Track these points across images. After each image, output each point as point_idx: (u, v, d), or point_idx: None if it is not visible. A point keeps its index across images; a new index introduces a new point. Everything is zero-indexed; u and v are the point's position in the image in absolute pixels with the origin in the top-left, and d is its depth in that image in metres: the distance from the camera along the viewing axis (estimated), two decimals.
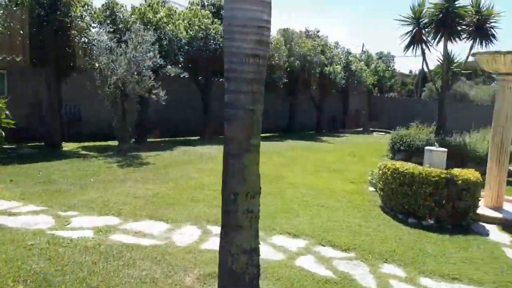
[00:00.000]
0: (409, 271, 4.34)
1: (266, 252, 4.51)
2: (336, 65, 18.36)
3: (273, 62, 15.24)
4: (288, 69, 16.27)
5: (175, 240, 4.68)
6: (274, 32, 17.79)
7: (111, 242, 4.43)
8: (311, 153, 12.03)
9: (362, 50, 24.50)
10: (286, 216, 5.79)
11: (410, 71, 49.64)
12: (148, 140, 12.69)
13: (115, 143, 10.80)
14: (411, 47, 11.93)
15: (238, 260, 3.35)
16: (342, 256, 4.61)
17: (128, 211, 5.52)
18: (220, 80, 14.81)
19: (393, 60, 24.16)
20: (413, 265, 4.48)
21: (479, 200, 6.13)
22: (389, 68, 23.70)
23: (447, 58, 11.80)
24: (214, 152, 10.68)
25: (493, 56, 6.94)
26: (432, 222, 5.88)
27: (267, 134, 15.73)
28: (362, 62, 21.64)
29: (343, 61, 19.76)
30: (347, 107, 21.08)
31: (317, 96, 18.62)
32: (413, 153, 10.92)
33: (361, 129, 21.50)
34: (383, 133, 19.39)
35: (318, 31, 19.28)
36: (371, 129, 20.60)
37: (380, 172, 6.54)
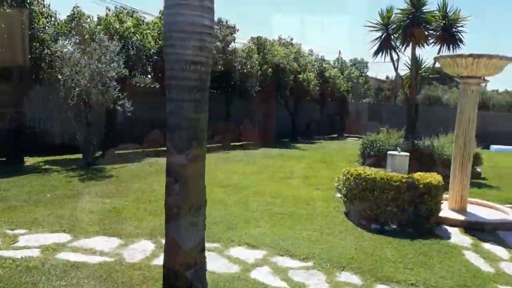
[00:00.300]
0: (366, 278, 4.26)
1: (220, 265, 4.39)
2: (310, 72, 18.44)
3: (245, 70, 15.19)
4: (261, 77, 16.25)
5: (126, 256, 4.51)
6: (246, 40, 17.80)
7: (57, 261, 4.23)
8: (282, 161, 11.97)
9: (339, 57, 24.76)
10: (247, 226, 5.67)
11: (387, 77, 50.39)
12: (117, 152, 12.43)
13: (80, 156, 10.53)
14: (381, 52, 12.02)
15: (181, 277, 3.21)
16: (299, 265, 4.50)
17: (80, 227, 5.32)
18: None
19: (366, 66, 24.43)
20: (371, 272, 4.41)
21: (441, 204, 6.12)
22: (362, 75, 23.94)
23: (415, 63, 11.92)
24: None
25: (454, 59, 7.00)
26: (394, 227, 5.84)
27: (242, 143, 15.64)
28: (336, 69, 21.83)
29: (317, 68, 19.87)
30: (322, 114, 21.15)
31: (291, 104, 18.64)
32: (383, 158, 10.93)
33: (336, 135, 21.61)
34: (357, 139, 19.50)
35: (291, 39, 19.39)
36: (345, 135, 20.70)
37: (344, 178, 6.48)
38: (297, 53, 18.23)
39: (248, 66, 15.14)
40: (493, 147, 19.39)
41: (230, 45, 14.84)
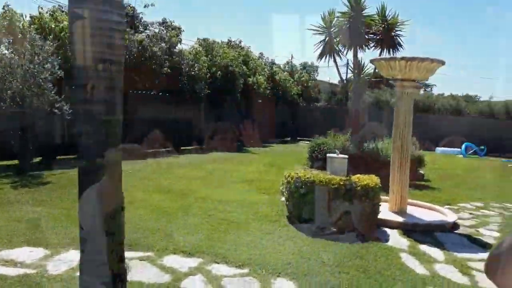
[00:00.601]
0: (301, 284, 4.19)
1: (151, 275, 4.19)
2: (260, 75, 18.46)
3: (193, 73, 14.96)
4: (210, 80, 16.07)
5: (50, 268, 4.21)
6: (193, 42, 17.56)
7: None
8: (231, 165, 11.84)
9: (289, 61, 25.01)
10: (185, 233, 5.48)
11: (339, 81, 51.46)
12: (59, 157, 11.82)
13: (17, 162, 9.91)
14: (324, 56, 12.19)
15: None
16: (235, 273, 4.38)
17: (4, 238, 4.94)
18: (138, 92, 14.27)
19: (316, 70, 24.85)
20: (306, 277, 4.35)
21: (379, 206, 6.20)
22: (312, 78, 24.31)
23: (358, 66, 12.18)
24: (124, 168, 10.14)
25: (388, 62, 7.15)
26: (334, 230, 5.84)
27: (191, 147, 15.37)
28: (286, 73, 22.02)
29: (267, 71, 19.94)
30: (273, 118, 21.26)
31: (242, 107, 18.59)
32: None
33: (288, 138, 21.77)
34: (308, 142, 19.72)
35: (240, 41, 19.33)
36: (298, 138, 20.91)
37: (286, 181, 6.44)
38: (246, 55, 18.19)
39: (196, 69, 14.92)
40: (438, 149, 20.18)
41: (176, 47, 14.55)
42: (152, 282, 4.02)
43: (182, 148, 14.71)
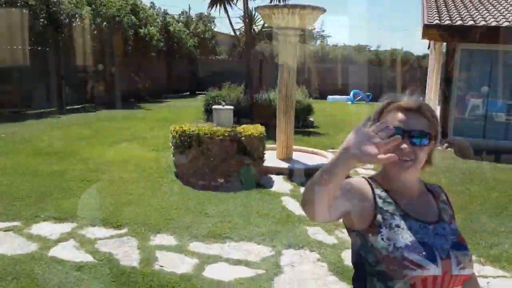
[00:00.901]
0: (181, 238, 4.16)
1: (16, 246, 3.85)
2: (151, 26, 17.47)
3: (74, 25, 13.64)
4: (96, 32, 14.81)
5: None
6: None
7: None
8: (122, 123, 11.24)
9: (184, 11, 23.96)
10: (59, 197, 5.09)
11: (241, 33, 50.84)
12: None
13: None
14: (215, 4, 11.78)
15: None
16: (112, 234, 4.19)
17: None
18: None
19: (213, 21, 24.23)
20: (188, 230, 4.32)
21: (264, 154, 6.32)
22: (209, 30, 23.69)
23: (249, 17, 12.02)
24: None
25: (271, 10, 7.10)
26: (221, 181, 5.86)
27: (80, 106, 14.26)
28: (181, 24, 21.14)
29: (160, 22, 18.93)
30: (170, 71, 20.47)
31: (134, 61, 17.55)
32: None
33: (187, 93, 21.26)
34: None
35: None
36: (197, 92, 20.49)
37: (171, 136, 6.24)
38: (135, 5, 16.99)
39: (78, 20, 13.61)
40: (330, 97, 21.20)
41: None
42: (17, 254, 3.68)
43: (67, 107, 13.61)
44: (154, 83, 18.84)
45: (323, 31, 38.02)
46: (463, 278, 1.31)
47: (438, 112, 10.59)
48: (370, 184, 1.36)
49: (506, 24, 8.96)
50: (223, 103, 7.05)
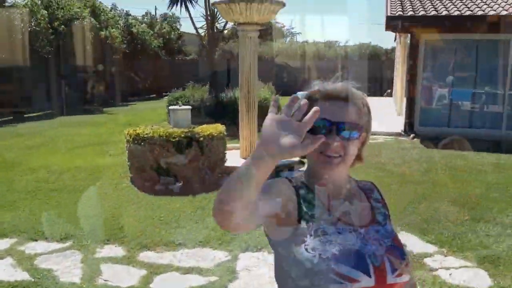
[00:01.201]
0: (131, 248, 3.87)
1: None
2: (113, 28, 16.95)
3: (30, 29, 13.07)
4: (54, 36, 14.25)
5: None
6: None
7: None
8: (79, 129, 10.76)
9: (148, 12, 23.38)
10: (0, 211, 4.72)
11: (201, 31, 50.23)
12: None
13: None
14: (175, 3, 11.46)
15: None
16: (54, 248, 3.88)
17: None
18: None
19: (178, 21, 23.75)
20: (139, 239, 4.04)
21: (225, 154, 6.08)
22: (175, 30, 23.24)
23: (211, 15, 11.75)
24: None
25: (229, 5, 6.83)
26: (180, 184, 5.59)
27: (36, 114, 13.66)
28: (144, 25, 20.62)
29: (122, 24, 18.41)
30: (135, 74, 19.91)
31: (97, 64, 16.97)
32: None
33: (154, 95, 20.76)
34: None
35: None
36: (163, 94, 20.00)
37: (125, 140, 5.93)
38: (94, 6, 16.44)
39: (33, 24, 13.04)
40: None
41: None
42: None
43: (25, 115, 13.04)
44: (118, 86, 18.30)
45: (292, 28, 38.08)
46: (399, 286, 1.11)
47: (404, 103, 10.62)
48: (294, 185, 1.15)
49: (468, 13, 8.99)
50: (180, 103, 6.77)
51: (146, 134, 5.56)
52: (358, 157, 1.18)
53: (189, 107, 6.47)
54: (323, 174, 1.13)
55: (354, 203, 1.18)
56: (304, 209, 1.10)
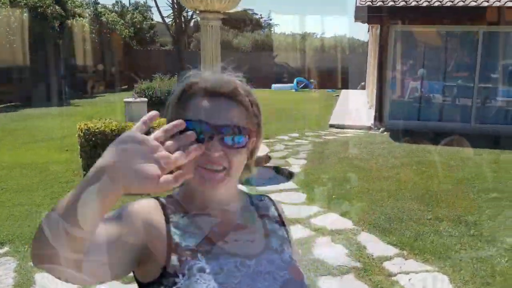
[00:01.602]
0: None
1: None
2: (81, 17, 16.29)
3: None
4: (16, 25, 13.57)
5: None
6: None
7: None
8: (39, 122, 10.27)
9: (118, 0, 22.62)
10: None
11: (172, 21, 49.20)
12: None
13: None
14: None
15: None
16: None
17: None
18: None
19: (151, 10, 23.12)
20: None
21: None
22: (147, 19, 22.61)
23: (177, 3, 11.34)
24: None
25: None
26: None
27: (2, 106, 13.04)
28: (114, 14, 19.96)
29: (89, 13, 17.74)
30: (106, 65, 19.28)
31: (64, 55, 16.32)
32: (155, 105, 10.37)
33: (126, 86, 20.17)
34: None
35: None
36: (135, 85, 19.42)
37: (77, 135, 5.58)
38: None
39: None
40: (274, 86, 20.85)
41: None
42: None
43: None
44: (86, 77, 17.70)
45: (270, 19, 37.73)
46: None
47: (374, 96, 10.48)
48: (164, 208, 0.89)
49: (437, 4, 8.86)
50: (135, 95, 6.42)
51: (97, 128, 5.23)
52: (247, 168, 0.93)
53: (145, 99, 6.16)
54: (203, 192, 0.88)
55: (244, 226, 0.94)
56: (176, 239, 0.85)
